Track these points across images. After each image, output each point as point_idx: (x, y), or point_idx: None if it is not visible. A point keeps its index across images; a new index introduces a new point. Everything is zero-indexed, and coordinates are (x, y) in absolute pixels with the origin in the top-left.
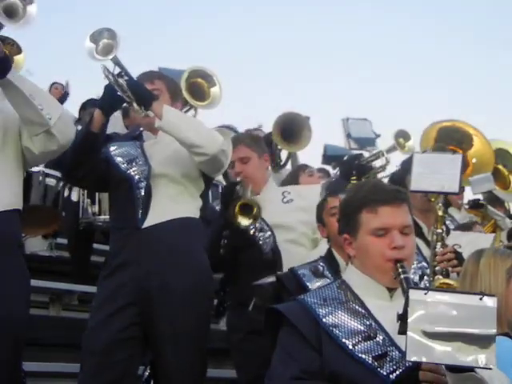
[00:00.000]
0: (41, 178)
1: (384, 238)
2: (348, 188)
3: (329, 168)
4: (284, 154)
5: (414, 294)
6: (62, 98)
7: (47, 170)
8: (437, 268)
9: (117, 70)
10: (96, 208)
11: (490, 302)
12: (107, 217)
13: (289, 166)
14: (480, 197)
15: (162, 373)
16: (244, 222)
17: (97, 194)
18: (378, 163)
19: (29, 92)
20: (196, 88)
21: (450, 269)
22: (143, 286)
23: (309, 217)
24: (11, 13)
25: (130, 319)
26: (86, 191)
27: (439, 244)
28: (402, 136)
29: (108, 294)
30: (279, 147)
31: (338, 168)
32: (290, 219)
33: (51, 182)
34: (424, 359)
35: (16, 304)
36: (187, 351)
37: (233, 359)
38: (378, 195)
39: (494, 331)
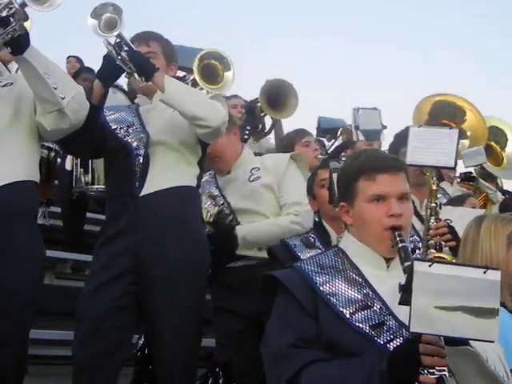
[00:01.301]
0: None
1: (381, 206)
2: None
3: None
4: (268, 122)
5: (418, 266)
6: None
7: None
8: (430, 242)
9: (118, 42)
10: (89, 177)
11: (494, 275)
12: (101, 186)
13: (272, 135)
14: (472, 170)
15: (156, 343)
16: None
17: (90, 163)
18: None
19: (44, 70)
20: (209, 70)
21: (442, 243)
22: (139, 255)
23: (274, 194)
24: None
25: (125, 287)
26: (79, 160)
27: (433, 218)
28: None
29: (104, 262)
30: (262, 114)
31: (333, 140)
32: (251, 202)
33: (43, 152)
34: (428, 331)
35: (30, 275)
36: (182, 322)
37: None
38: (376, 163)
39: (497, 305)
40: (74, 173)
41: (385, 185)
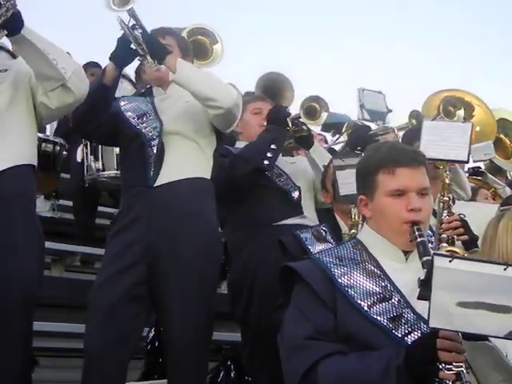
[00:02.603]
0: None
1: (401, 200)
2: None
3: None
4: None
5: (438, 261)
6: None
7: (43, 136)
8: (443, 236)
9: (132, 23)
10: (100, 164)
11: None
12: (112, 172)
13: None
14: (481, 165)
15: (167, 334)
16: None
17: (100, 150)
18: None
19: (43, 47)
20: (198, 46)
21: (455, 237)
22: (153, 246)
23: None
24: None
25: (138, 277)
26: (89, 149)
27: (445, 212)
28: (416, 117)
29: (117, 252)
30: None
31: (337, 135)
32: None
33: (48, 147)
34: (447, 327)
35: (27, 263)
36: (193, 314)
37: None
38: (396, 156)
39: None
40: (85, 162)
41: (405, 179)
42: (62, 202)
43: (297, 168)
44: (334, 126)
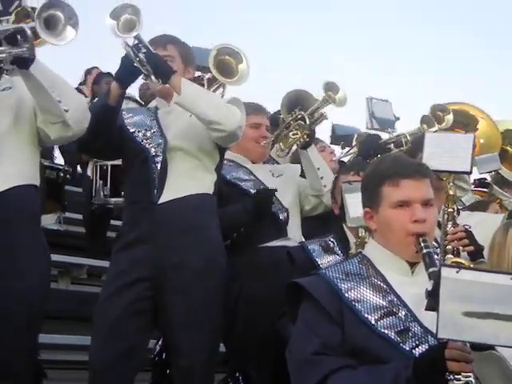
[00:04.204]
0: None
1: (405, 211)
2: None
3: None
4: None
5: (445, 272)
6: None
7: (46, 163)
8: (448, 247)
9: (136, 43)
10: (108, 189)
11: None
12: (120, 199)
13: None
14: (486, 177)
15: (174, 347)
16: None
17: (109, 174)
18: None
19: (48, 84)
20: (224, 65)
21: (460, 248)
22: (158, 263)
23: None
24: (51, 24)
25: (142, 292)
26: (98, 170)
27: (450, 223)
28: (427, 122)
29: (121, 268)
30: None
31: (346, 147)
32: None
33: (52, 174)
34: (455, 337)
35: (32, 279)
36: (199, 327)
37: None
38: (400, 168)
39: None
40: (94, 183)
41: (409, 190)
42: (68, 214)
43: (284, 183)
44: (343, 139)
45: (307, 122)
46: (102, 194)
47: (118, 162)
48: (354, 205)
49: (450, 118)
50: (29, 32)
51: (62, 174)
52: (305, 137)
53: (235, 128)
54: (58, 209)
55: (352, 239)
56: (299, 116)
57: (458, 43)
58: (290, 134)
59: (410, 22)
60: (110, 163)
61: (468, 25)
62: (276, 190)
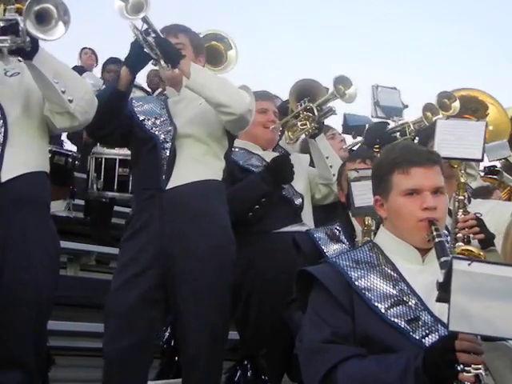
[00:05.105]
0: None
1: (415, 199)
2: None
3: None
4: None
5: (457, 264)
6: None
7: (55, 148)
8: (458, 235)
9: (145, 27)
10: (101, 183)
11: None
12: (116, 194)
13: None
14: (496, 164)
15: (182, 334)
16: None
17: (103, 168)
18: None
19: (52, 75)
20: (212, 51)
21: (471, 236)
22: (166, 248)
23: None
24: (43, 18)
25: (152, 281)
26: (94, 163)
27: (461, 211)
28: (430, 110)
29: (131, 256)
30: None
31: (358, 137)
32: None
33: (60, 160)
34: (467, 330)
35: (42, 265)
36: (208, 314)
37: None
38: (410, 156)
39: None
40: (90, 175)
41: (419, 178)
42: (77, 201)
43: (296, 171)
44: (354, 128)
45: (316, 113)
46: (95, 186)
47: (113, 155)
48: (360, 193)
49: (456, 105)
50: (21, 25)
51: (70, 160)
52: (314, 128)
53: (245, 111)
54: (66, 195)
55: (358, 227)
56: (308, 107)
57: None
58: (299, 123)
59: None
60: (104, 156)
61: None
62: (290, 154)
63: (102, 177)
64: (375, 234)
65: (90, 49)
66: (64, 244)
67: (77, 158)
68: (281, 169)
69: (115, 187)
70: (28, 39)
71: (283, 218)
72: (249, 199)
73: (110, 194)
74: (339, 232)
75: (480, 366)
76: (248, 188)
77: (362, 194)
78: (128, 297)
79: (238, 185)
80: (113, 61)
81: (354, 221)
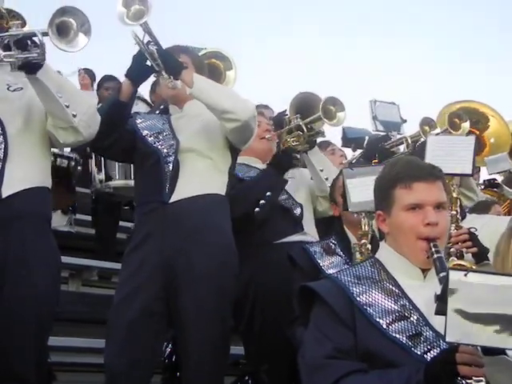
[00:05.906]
0: (52, 158)
1: (418, 214)
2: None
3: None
4: None
5: (453, 275)
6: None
7: (58, 151)
8: (451, 250)
9: (146, 39)
10: (103, 175)
11: None
12: (118, 182)
13: None
14: (496, 177)
15: (183, 347)
16: None
17: (103, 160)
18: (401, 148)
19: (56, 89)
20: (211, 69)
21: (464, 250)
22: (168, 261)
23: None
24: (62, 31)
25: (154, 294)
26: (93, 160)
27: (453, 225)
28: (428, 124)
29: (133, 269)
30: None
31: (357, 150)
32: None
33: (63, 162)
34: (463, 341)
35: (43, 281)
36: (209, 328)
37: None
38: (412, 171)
39: None
40: (91, 174)
41: (421, 193)
42: (79, 216)
43: (296, 183)
44: (353, 141)
45: (305, 131)
46: (97, 179)
47: None
48: (355, 189)
49: (466, 125)
50: (40, 37)
51: (73, 163)
52: (305, 147)
53: (249, 117)
54: (71, 202)
55: (353, 239)
56: (298, 124)
57: None
58: (291, 139)
59: None
60: None
61: None
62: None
63: (103, 168)
64: (372, 236)
65: (84, 69)
66: (65, 259)
67: (79, 163)
68: (281, 159)
69: (117, 176)
70: (40, 52)
71: (284, 228)
72: (255, 192)
73: (113, 183)
74: (335, 245)
75: (482, 379)
76: (253, 182)
77: (358, 189)
78: (130, 310)
79: (244, 182)
80: (108, 78)
81: (349, 233)
